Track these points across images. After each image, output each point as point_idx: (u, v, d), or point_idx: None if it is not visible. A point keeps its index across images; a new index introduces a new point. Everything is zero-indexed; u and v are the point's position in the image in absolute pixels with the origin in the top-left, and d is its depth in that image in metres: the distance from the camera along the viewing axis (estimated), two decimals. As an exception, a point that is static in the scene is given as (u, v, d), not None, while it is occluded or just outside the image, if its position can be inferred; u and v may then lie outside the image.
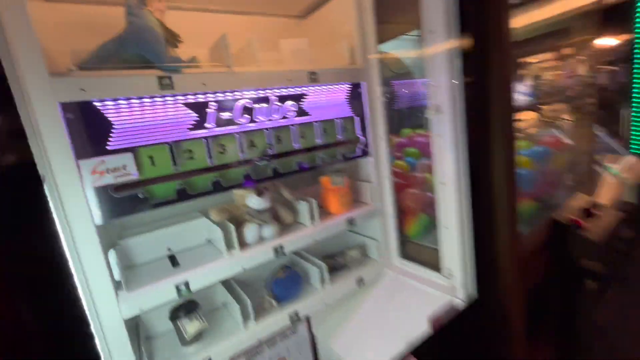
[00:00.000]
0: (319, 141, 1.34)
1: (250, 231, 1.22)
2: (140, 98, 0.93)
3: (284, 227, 1.35)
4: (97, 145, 0.88)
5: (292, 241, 1.28)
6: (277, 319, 1.26)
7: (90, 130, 0.87)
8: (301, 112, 1.28)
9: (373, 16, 1.37)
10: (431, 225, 1.53)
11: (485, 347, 1.24)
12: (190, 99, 1.02)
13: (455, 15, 1.04)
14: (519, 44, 2.46)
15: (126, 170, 0.92)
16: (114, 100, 0.89)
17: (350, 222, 1.44)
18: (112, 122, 0.90)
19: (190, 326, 1.09)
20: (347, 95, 1.41)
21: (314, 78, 1.28)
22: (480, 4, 1.04)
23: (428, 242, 1.48)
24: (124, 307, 0.93)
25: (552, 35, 2.31)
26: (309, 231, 1.33)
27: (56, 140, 0.80)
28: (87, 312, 0.80)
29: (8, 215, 0.52)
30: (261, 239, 1.25)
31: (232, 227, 1.16)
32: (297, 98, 1.26)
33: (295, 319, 1.29)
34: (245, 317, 1.20)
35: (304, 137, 1.30)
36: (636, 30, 3.01)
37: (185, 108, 1.02)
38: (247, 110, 1.14)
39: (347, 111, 1.42)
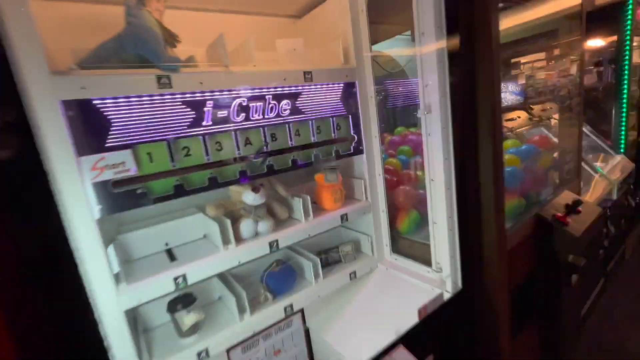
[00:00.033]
0: (313, 139, 1.38)
1: (245, 226, 1.25)
2: (139, 96, 0.96)
3: (279, 223, 1.39)
4: (97, 142, 0.91)
5: (287, 236, 1.32)
6: (272, 311, 1.30)
7: (90, 128, 0.89)
8: (296, 111, 1.31)
9: (367, 17, 1.41)
10: (422, 221, 1.58)
11: (472, 336, 1.29)
12: (188, 97, 1.05)
13: (445, 18, 1.07)
14: (509, 44, 2.51)
15: (125, 166, 0.95)
16: (114, 98, 0.92)
17: (344, 218, 1.48)
18: (112, 120, 0.93)
19: (188, 318, 1.12)
20: (341, 94, 1.44)
21: (308, 77, 1.31)
22: (469, 7, 1.08)
23: (419, 237, 1.53)
24: (123, 299, 0.96)
25: (542, 36, 2.37)
26: (303, 227, 1.37)
27: (57, 137, 0.82)
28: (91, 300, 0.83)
29: (17, 207, 0.55)
30: (256, 234, 1.29)
31: (228, 223, 1.19)
32: (292, 97, 1.30)
33: (289, 311, 1.33)
34: (240, 309, 1.23)
35: (298, 135, 1.33)
36: (626, 33, 3.09)
37: (183, 106, 1.05)
38: (243, 108, 1.18)
39: (341, 110, 1.46)
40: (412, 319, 1.19)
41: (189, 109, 1.06)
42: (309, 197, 1.40)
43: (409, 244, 1.57)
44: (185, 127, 1.06)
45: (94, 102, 0.89)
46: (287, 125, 1.30)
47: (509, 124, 2.67)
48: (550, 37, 2.27)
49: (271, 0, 1.56)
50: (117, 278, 0.98)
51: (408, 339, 1.08)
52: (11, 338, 0.52)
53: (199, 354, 1.12)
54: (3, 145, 0.57)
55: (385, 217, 1.60)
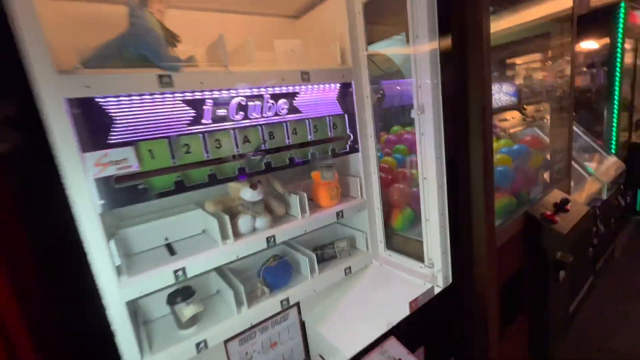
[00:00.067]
0: (310, 137, 1.41)
1: (243, 222, 1.29)
2: (141, 95, 0.99)
3: (276, 219, 1.42)
4: (101, 138, 0.94)
5: (284, 232, 1.35)
6: (269, 305, 1.34)
7: (94, 125, 0.92)
8: (293, 110, 1.35)
9: (363, 18, 1.44)
10: (416, 218, 1.62)
11: (462, 328, 1.34)
12: (189, 96, 1.08)
13: (438, 22, 1.11)
14: (502, 46, 2.56)
15: (127, 162, 0.98)
16: (117, 96, 0.95)
17: (339, 214, 1.52)
18: (114, 117, 0.96)
19: (187, 310, 1.16)
20: (338, 94, 1.48)
21: (305, 77, 1.34)
22: (461, 11, 1.11)
23: (412, 234, 1.57)
24: (125, 291, 1.00)
25: (534, 39, 2.42)
26: (300, 223, 1.41)
27: (62, 134, 0.85)
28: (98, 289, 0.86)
29: (32, 197, 0.58)
30: (254, 230, 1.32)
31: (226, 218, 1.23)
32: (290, 96, 1.33)
33: (286, 305, 1.37)
34: (238, 302, 1.27)
35: (295, 134, 1.37)
36: (618, 36, 3.15)
37: (184, 105, 1.08)
38: (242, 107, 1.21)
39: (337, 109, 1.49)
40: (404, 312, 1.24)
41: (189, 108, 1.09)
42: (305, 194, 1.44)
43: (403, 240, 1.62)
44: (186, 125, 1.09)
45: (98, 100, 0.92)
46: (284, 124, 1.33)
47: (503, 124, 2.72)
48: (543, 39, 2.32)
49: (270, 1, 1.59)
50: (118, 271, 1.02)
51: (399, 331, 1.13)
52: (24, 322, 0.55)
53: (197, 345, 1.15)
54: (21, 139, 0.60)
55: (379, 214, 1.64)
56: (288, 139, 1.35)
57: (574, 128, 3.26)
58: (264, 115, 1.27)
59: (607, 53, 3.16)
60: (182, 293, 1.20)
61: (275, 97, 1.29)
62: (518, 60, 2.85)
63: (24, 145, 0.61)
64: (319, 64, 1.42)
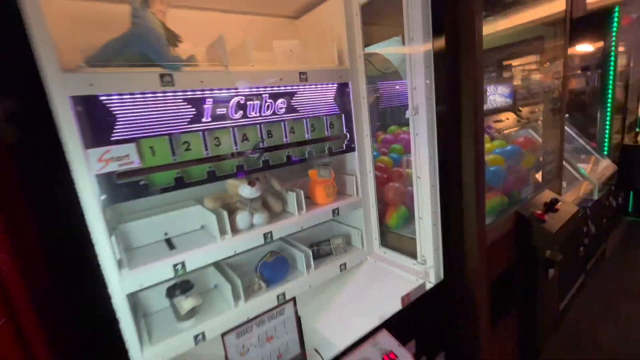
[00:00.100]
0: (307, 136, 1.45)
1: (241, 218, 1.32)
2: (143, 93, 1.02)
3: (273, 216, 1.46)
4: (103, 135, 0.97)
5: (281, 228, 1.39)
6: (266, 299, 1.37)
7: (97, 122, 0.95)
8: (291, 109, 1.38)
9: (360, 20, 1.47)
10: (410, 217, 1.66)
11: (453, 323, 1.38)
12: (189, 95, 1.11)
13: (432, 26, 1.15)
14: (497, 49, 2.60)
15: (129, 159, 1.01)
16: (119, 95, 0.98)
17: (335, 212, 1.55)
18: (117, 115, 0.99)
19: (186, 302, 1.19)
20: (335, 94, 1.51)
21: (303, 77, 1.38)
22: (454, 16, 1.15)
23: (406, 232, 1.61)
24: (126, 283, 1.03)
25: (529, 41, 2.46)
26: (296, 219, 1.44)
27: (67, 131, 0.88)
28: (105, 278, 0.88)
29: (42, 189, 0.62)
30: (252, 226, 1.35)
31: (225, 214, 1.26)
32: (288, 96, 1.36)
33: (282, 300, 1.40)
34: (236, 296, 1.30)
35: (293, 132, 1.40)
36: (612, 39, 3.20)
37: (184, 103, 1.11)
38: (241, 106, 1.24)
39: (335, 109, 1.53)
40: (396, 307, 1.28)
41: (189, 106, 1.12)
42: (302, 192, 1.47)
43: (397, 237, 1.66)
44: (186, 123, 1.12)
45: (101, 98, 0.95)
46: (282, 123, 1.36)
47: (498, 125, 2.77)
48: (537, 42, 2.36)
49: (270, 1, 1.62)
50: (119, 264, 1.05)
51: (392, 325, 1.16)
52: (33, 306, 0.58)
53: (195, 337, 1.19)
54: (33, 133, 0.64)
55: (375, 212, 1.67)
56: (286, 137, 1.38)
57: (569, 130, 3.32)
58: (263, 114, 1.30)
59: (601, 56, 3.21)
60: (181, 286, 1.23)
61: (274, 96, 1.32)
62: (514, 62, 2.90)
63: (36, 139, 0.64)
64: (317, 65, 1.45)
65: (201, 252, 1.19)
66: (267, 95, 1.30)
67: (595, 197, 2.57)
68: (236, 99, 1.22)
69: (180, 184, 1.13)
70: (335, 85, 1.50)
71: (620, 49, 3.29)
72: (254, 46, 1.28)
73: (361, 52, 1.52)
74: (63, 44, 0.93)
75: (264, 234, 1.34)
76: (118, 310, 1.00)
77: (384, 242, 1.70)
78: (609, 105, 3.31)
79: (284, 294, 1.41)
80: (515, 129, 2.82)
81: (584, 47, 3.40)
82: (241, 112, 1.24)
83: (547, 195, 1.85)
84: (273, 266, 1.45)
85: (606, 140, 3.42)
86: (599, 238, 3.09)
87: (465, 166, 1.26)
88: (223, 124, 1.20)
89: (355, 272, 1.66)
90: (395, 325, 1.17)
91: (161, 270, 1.10)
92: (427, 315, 1.30)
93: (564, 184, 2.46)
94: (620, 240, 3.65)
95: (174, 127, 1.10)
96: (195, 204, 1.39)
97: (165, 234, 1.33)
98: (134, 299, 1.28)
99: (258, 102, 1.28)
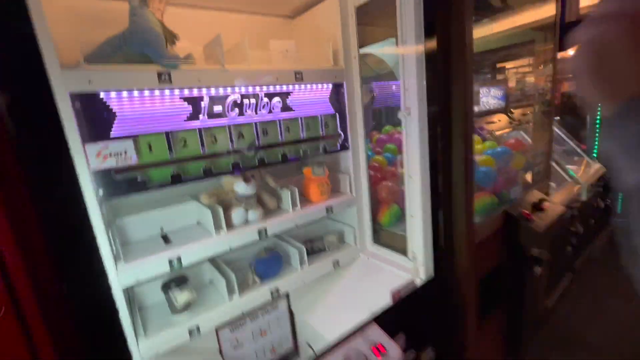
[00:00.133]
0: (302, 135, 1.47)
1: (237, 214, 1.35)
2: (141, 91, 1.04)
3: (268, 212, 1.48)
4: (102, 131, 0.99)
5: (275, 225, 1.42)
6: (259, 294, 1.40)
7: (95, 118, 0.97)
8: (287, 108, 1.41)
9: (355, 22, 1.50)
10: (402, 215, 1.70)
11: (442, 318, 1.42)
12: (186, 93, 1.13)
13: (425, 29, 1.18)
14: (492, 51, 2.65)
15: (127, 155, 1.03)
16: (118, 92, 1.00)
17: (329, 209, 1.58)
18: (115, 112, 1.01)
19: (181, 296, 1.22)
20: (330, 94, 1.54)
21: (299, 77, 1.40)
22: (446, 19, 1.18)
23: (398, 229, 1.64)
24: (123, 277, 1.05)
25: (523, 44, 2.51)
26: (291, 216, 1.47)
27: (66, 126, 0.90)
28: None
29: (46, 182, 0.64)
30: (247, 222, 1.38)
31: (220, 210, 1.28)
32: (284, 95, 1.39)
33: (275, 295, 1.43)
34: (230, 291, 1.33)
35: (288, 131, 1.43)
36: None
37: (182, 101, 1.13)
38: (237, 104, 1.26)
39: (329, 108, 1.56)
40: (387, 302, 1.31)
41: (186, 104, 1.14)
42: (296, 189, 1.50)
43: (389, 235, 1.69)
44: (183, 121, 1.14)
45: (100, 94, 0.97)
46: (278, 122, 1.39)
47: (490, 127, 2.82)
48: (530, 45, 2.41)
49: (267, 1, 1.64)
50: (116, 257, 1.07)
51: (382, 319, 1.20)
52: (34, 291, 0.61)
53: (190, 331, 1.21)
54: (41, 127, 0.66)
55: (368, 210, 1.71)
56: (281, 136, 1.41)
57: (560, 133, 3.39)
58: (259, 112, 1.32)
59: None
60: (176, 280, 1.25)
61: (270, 95, 1.34)
62: (506, 65, 2.95)
63: (38, 133, 0.66)
64: (313, 64, 1.48)
65: (197, 247, 1.22)
66: (263, 94, 1.33)
67: (584, 198, 2.63)
68: (232, 97, 1.24)
69: (176, 180, 1.16)
70: (330, 85, 1.53)
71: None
72: (251, 45, 1.30)
73: (356, 53, 1.55)
74: (63, 41, 0.95)
75: (259, 230, 1.36)
76: (116, 302, 1.02)
77: (377, 239, 1.74)
78: (599, 108, 3.37)
79: (277, 290, 1.44)
80: (507, 130, 2.87)
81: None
82: (237, 110, 1.26)
83: (535, 195, 1.90)
84: (267, 262, 1.48)
85: (596, 143, 3.49)
86: (587, 238, 3.15)
87: (455, 166, 1.29)
88: (219, 122, 1.23)
89: (348, 268, 1.70)
90: (385, 319, 1.21)
91: (157, 264, 1.13)
92: (416, 310, 1.34)
93: (554, 185, 2.51)
94: (608, 240, 3.73)
95: (171, 125, 1.12)
96: (191, 200, 1.41)
97: (162, 229, 1.35)
98: (129, 293, 1.30)
99: (254, 100, 1.30)
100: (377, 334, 1.13)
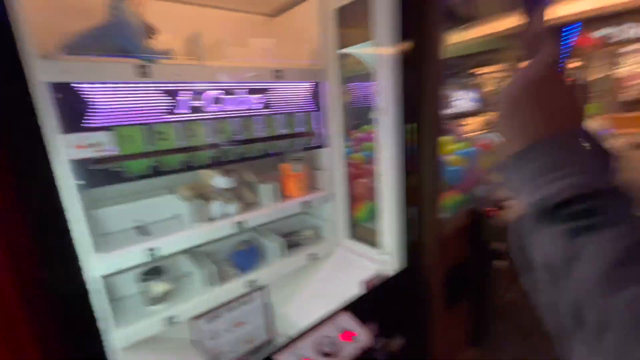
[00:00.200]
0: (281, 131, 1.52)
1: (215, 207, 1.38)
2: (120, 83, 1.05)
3: (246, 206, 1.52)
4: (80, 122, 1.00)
5: (253, 218, 1.46)
6: (237, 285, 1.44)
7: (74, 109, 0.98)
8: (266, 105, 1.44)
9: (335, 23, 1.56)
10: (376, 211, 1.77)
11: (411, 309, 1.51)
12: (166, 86, 1.15)
13: (399, 34, 1.25)
14: (466, 56, 2.78)
15: (105, 146, 1.05)
16: (97, 83, 1.01)
17: (306, 204, 1.64)
18: (94, 103, 1.02)
19: (157, 287, 1.24)
20: (309, 92, 1.59)
21: (279, 75, 1.44)
22: (418, 27, 1.26)
23: (372, 225, 1.72)
24: (100, 267, 1.06)
25: (494, 51, 2.65)
26: (269, 211, 1.51)
27: (43, 116, 0.91)
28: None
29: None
30: (225, 215, 1.41)
31: (199, 203, 1.31)
32: (263, 92, 1.43)
33: (253, 287, 1.47)
34: (208, 282, 1.36)
35: (267, 127, 1.47)
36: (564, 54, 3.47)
37: (161, 94, 1.15)
38: (217, 99, 1.29)
39: (309, 106, 1.61)
40: (359, 292, 1.38)
41: (166, 97, 1.16)
42: (275, 184, 1.54)
43: (365, 230, 1.77)
44: (162, 114, 1.16)
45: (78, 85, 0.98)
46: (257, 118, 1.42)
47: (464, 129, 2.95)
48: (501, 52, 2.55)
49: (248, -1, 1.67)
50: (93, 248, 1.08)
51: (355, 308, 1.27)
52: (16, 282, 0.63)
53: (165, 321, 1.24)
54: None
55: (344, 206, 1.78)
56: (260, 131, 1.44)
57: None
58: (238, 108, 1.36)
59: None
60: (153, 271, 1.27)
61: (249, 91, 1.38)
62: (480, 70, 3.09)
63: (15, 124, 0.68)
64: (293, 63, 1.52)
65: (175, 237, 1.24)
66: (243, 90, 1.36)
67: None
68: (212, 92, 1.27)
69: (155, 172, 1.17)
70: (310, 83, 1.58)
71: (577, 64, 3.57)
72: (231, 42, 1.33)
73: (335, 53, 1.60)
74: (41, 30, 0.95)
75: (237, 223, 1.40)
76: (91, 292, 1.04)
77: (352, 234, 1.81)
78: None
79: (255, 282, 1.48)
80: (480, 132, 3.02)
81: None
82: (216, 105, 1.29)
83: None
84: (245, 254, 1.52)
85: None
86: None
87: (424, 165, 1.38)
88: (199, 116, 1.25)
89: (325, 261, 1.76)
90: (358, 308, 1.27)
91: (135, 255, 1.15)
92: (387, 300, 1.42)
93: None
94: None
95: (150, 117, 1.14)
96: (170, 193, 1.43)
97: (139, 220, 1.36)
98: (106, 283, 1.31)
99: (233, 96, 1.33)
100: (348, 322, 1.19)
